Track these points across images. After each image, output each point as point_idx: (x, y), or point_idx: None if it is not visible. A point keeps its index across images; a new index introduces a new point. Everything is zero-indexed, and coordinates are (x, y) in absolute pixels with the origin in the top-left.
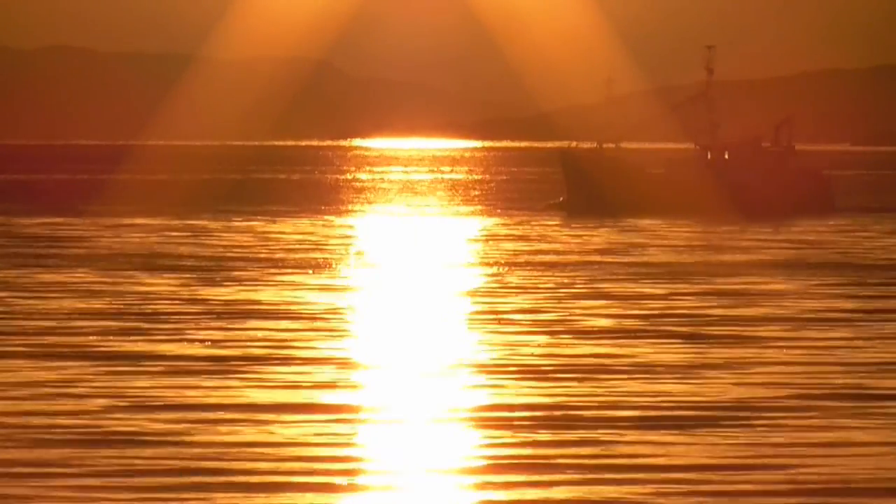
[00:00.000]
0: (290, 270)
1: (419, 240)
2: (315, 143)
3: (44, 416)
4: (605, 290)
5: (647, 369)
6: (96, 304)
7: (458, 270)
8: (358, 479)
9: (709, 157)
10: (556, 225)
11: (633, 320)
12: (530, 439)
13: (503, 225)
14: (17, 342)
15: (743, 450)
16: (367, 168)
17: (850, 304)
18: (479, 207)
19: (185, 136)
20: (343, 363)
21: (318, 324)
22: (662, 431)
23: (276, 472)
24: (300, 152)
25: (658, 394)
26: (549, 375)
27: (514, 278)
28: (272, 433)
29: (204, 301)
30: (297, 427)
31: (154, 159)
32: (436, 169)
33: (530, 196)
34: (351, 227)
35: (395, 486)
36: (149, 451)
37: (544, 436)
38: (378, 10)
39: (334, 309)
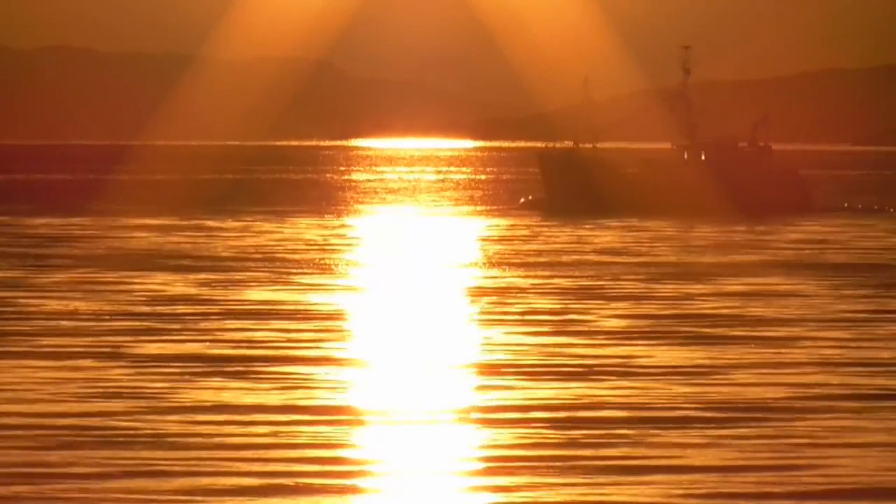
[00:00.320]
0: (292, 271)
1: (415, 240)
2: (315, 143)
3: (56, 418)
4: (609, 289)
5: (659, 370)
6: (96, 305)
7: (457, 271)
8: (364, 482)
9: (685, 156)
10: (554, 225)
11: (643, 320)
12: (541, 440)
13: (494, 226)
14: (29, 343)
15: (761, 450)
16: (367, 168)
17: (864, 306)
18: (458, 207)
19: (185, 136)
20: (350, 364)
21: (325, 324)
22: (679, 432)
23: (279, 474)
24: (300, 152)
25: (673, 395)
26: (555, 376)
27: (512, 279)
28: (275, 435)
29: (214, 302)
30: (301, 428)
31: (155, 159)
32: (425, 169)
33: (512, 196)
34: (352, 227)
35: (404, 487)
36: (159, 453)
37: (554, 436)
38: (378, 10)
39: (340, 310)
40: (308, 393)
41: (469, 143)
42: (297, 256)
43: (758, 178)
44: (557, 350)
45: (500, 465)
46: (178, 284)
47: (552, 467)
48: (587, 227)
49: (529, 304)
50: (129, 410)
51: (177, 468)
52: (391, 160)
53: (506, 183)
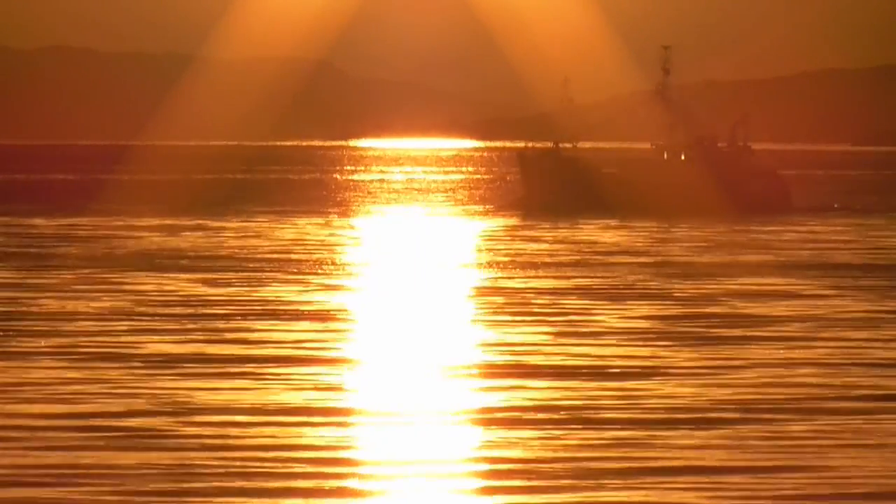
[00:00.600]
0: (294, 270)
1: (413, 240)
2: (316, 143)
3: (72, 419)
4: (613, 288)
5: (665, 371)
6: (98, 305)
7: (456, 271)
8: (369, 483)
9: (665, 156)
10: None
11: (645, 321)
12: (544, 441)
13: (481, 226)
14: (42, 343)
15: (772, 450)
16: (368, 168)
17: (872, 306)
18: (442, 207)
19: (185, 136)
20: (357, 365)
21: (333, 324)
22: (684, 431)
23: (281, 475)
24: (300, 152)
25: (675, 396)
26: (557, 376)
27: (510, 279)
28: (277, 436)
29: (214, 302)
30: (305, 429)
31: (155, 159)
32: (414, 170)
33: (495, 196)
34: (354, 227)
35: (410, 488)
36: (166, 454)
37: (556, 437)
38: (378, 10)
39: (346, 310)
40: (309, 394)
41: (469, 143)
42: (298, 256)
43: (737, 178)
44: (559, 350)
45: (501, 466)
46: (179, 284)
47: (554, 469)
48: (579, 226)
49: (529, 304)
50: (131, 411)
51: (177, 468)
52: (389, 160)
53: (510, 183)
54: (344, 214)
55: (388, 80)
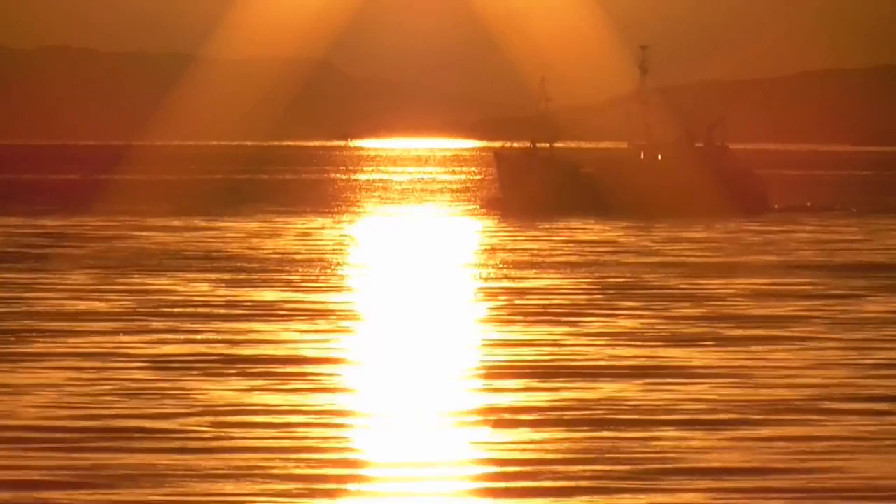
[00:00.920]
0: (295, 271)
1: (412, 240)
2: (316, 143)
3: (74, 420)
4: (614, 287)
5: (679, 372)
6: (106, 305)
7: (456, 271)
8: (370, 484)
9: (642, 156)
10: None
11: (648, 321)
12: (547, 441)
13: (488, 229)
14: (44, 344)
15: (785, 451)
16: (368, 169)
17: (881, 307)
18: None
19: (185, 136)
20: (358, 365)
21: (333, 324)
22: (693, 432)
23: (281, 476)
24: (300, 152)
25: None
26: (560, 377)
27: (508, 279)
28: (279, 437)
29: (215, 302)
30: (307, 429)
31: (155, 160)
32: (407, 170)
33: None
34: (355, 228)
35: (413, 490)
36: (167, 455)
37: (560, 439)
38: (378, 10)
39: (347, 310)
40: (311, 394)
41: (469, 143)
42: (298, 257)
43: (713, 178)
44: (559, 350)
45: (505, 469)
46: (180, 285)
47: (560, 471)
48: (558, 226)
49: (527, 303)
50: (131, 412)
51: (176, 469)
52: (389, 160)
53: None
54: (344, 214)
55: (388, 81)
